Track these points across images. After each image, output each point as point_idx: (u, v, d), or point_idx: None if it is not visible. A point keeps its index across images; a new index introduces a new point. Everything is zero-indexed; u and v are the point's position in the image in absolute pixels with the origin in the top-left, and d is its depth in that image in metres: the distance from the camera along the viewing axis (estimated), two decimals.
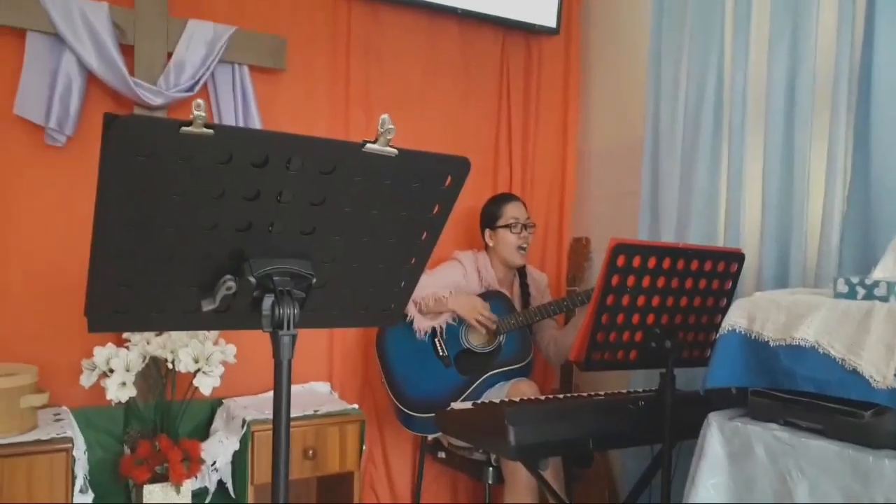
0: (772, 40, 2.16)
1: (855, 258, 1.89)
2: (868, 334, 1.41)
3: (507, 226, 2.66)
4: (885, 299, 1.47)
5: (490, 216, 2.71)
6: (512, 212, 2.68)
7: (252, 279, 1.15)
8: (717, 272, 1.92)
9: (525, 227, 2.68)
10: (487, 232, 2.72)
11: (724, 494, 1.59)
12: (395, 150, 1.14)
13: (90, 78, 2.28)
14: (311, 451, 2.25)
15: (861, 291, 1.52)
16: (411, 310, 2.52)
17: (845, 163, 1.97)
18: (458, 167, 1.22)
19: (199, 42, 2.38)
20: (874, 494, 1.31)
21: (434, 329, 2.56)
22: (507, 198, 2.75)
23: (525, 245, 2.68)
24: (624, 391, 2.26)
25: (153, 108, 2.32)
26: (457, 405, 2.07)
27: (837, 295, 1.56)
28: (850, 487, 1.35)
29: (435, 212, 1.27)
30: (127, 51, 2.31)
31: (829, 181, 1.99)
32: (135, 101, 2.31)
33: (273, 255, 1.17)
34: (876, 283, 1.49)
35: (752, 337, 1.62)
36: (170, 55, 2.37)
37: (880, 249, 1.72)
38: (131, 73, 2.30)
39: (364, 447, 2.36)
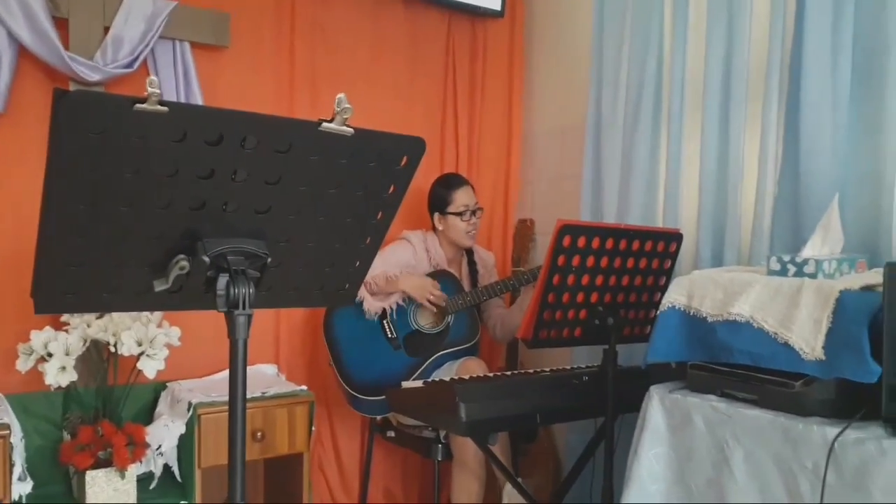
0: (709, 28, 2.24)
1: (785, 238, 1.99)
2: (798, 309, 1.50)
3: (457, 213, 2.67)
4: (813, 276, 1.56)
5: (440, 200, 2.71)
6: (462, 199, 2.68)
7: (206, 259, 1.14)
8: (657, 252, 1.99)
9: (474, 213, 2.70)
10: (437, 216, 2.72)
11: (666, 463, 1.67)
12: (352, 130, 1.15)
13: (21, 51, 2.18)
14: (259, 433, 2.24)
15: (792, 269, 1.60)
16: (361, 291, 2.52)
17: (776, 148, 2.06)
18: (414, 147, 1.24)
19: (137, 17, 2.30)
20: (804, 459, 1.40)
21: (384, 310, 2.57)
22: (456, 182, 2.74)
23: (474, 231, 2.71)
24: (568, 367, 2.33)
25: (90, 83, 2.23)
26: (407, 384, 2.10)
27: (770, 272, 1.65)
28: (782, 453, 1.44)
29: (390, 191, 1.27)
30: (61, 24, 2.22)
31: (762, 165, 2.09)
32: (70, 77, 2.22)
33: (227, 234, 1.16)
34: (805, 261, 1.58)
35: (691, 313, 1.70)
36: (107, 30, 2.28)
37: (808, 230, 1.82)
38: (66, 47, 2.20)
39: (313, 428, 2.36)
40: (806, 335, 1.47)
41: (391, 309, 2.58)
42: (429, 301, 2.55)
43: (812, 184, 1.93)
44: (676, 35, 2.34)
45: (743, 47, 2.15)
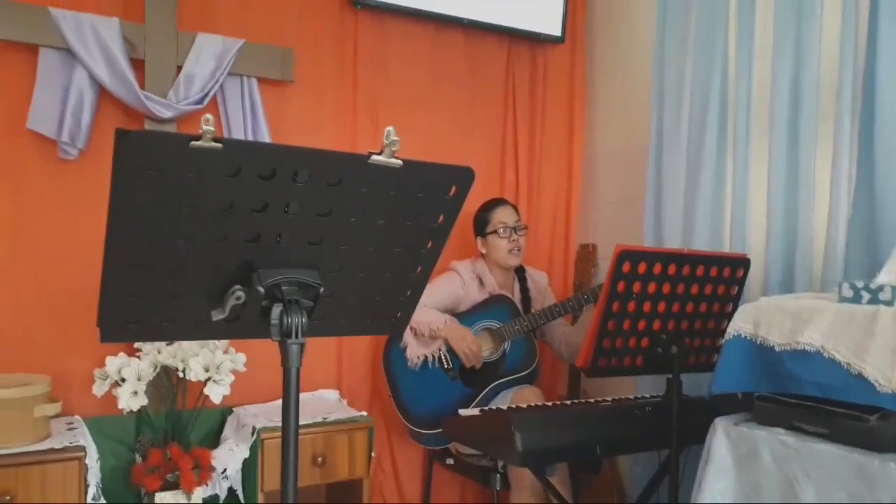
0: (775, 46, 2.17)
1: (860, 263, 1.89)
2: (873, 338, 1.41)
3: (494, 231, 2.66)
4: (889, 303, 1.47)
5: (480, 224, 2.71)
6: (499, 216, 2.67)
7: (261, 289, 1.17)
8: (723, 278, 1.92)
9: (515, 230, 2.67)
10: (479, 240, 2.72)
11: (731, 499, 1.60)
12: (400, 162, 1.16)
13: (101, 92, 2.32)
14: (320, 458, 2.27)
15: (866, 296, 1.52)
16: (407, 335, 2.53)
17: (850, 168, 1.97)
18: (463, 177, 1.24)
19: (208, 55, 2.41)
20: (880, 497, 1.32)
21: (426, 357, 2.56)
22: (495, 203, 2.73)
23: (516, 249, 2.67)
24: (631, 397, 2.27)
25: (163, 120, 2.35)
26: (464, 412, 2.09)
27: (842, 299, 1.56)
28: (857, 491, 1.36)
29: (440, 221, 1.28)
30: (137, 65, 2.35)
31: (834, 187, 2.00)
32: (145, 115, 2.34)
33: (281, 265, 1.19)
34: (881, 288, 1.50)
35: (758, 342, 1.63)
36: (179, 68, 2.40)
37: (885, 254, 1.72)
38: (142, 86, 2.33)
39: (373, 454, 2.38)
40: (882, 366, 1.39)
41: (434, 357, 2.56)
42: (464, 354, 2.52)
43: (889, 205, 1.83)
44: (741, 52, 2.28)
45: (812, 64, 2.07)
